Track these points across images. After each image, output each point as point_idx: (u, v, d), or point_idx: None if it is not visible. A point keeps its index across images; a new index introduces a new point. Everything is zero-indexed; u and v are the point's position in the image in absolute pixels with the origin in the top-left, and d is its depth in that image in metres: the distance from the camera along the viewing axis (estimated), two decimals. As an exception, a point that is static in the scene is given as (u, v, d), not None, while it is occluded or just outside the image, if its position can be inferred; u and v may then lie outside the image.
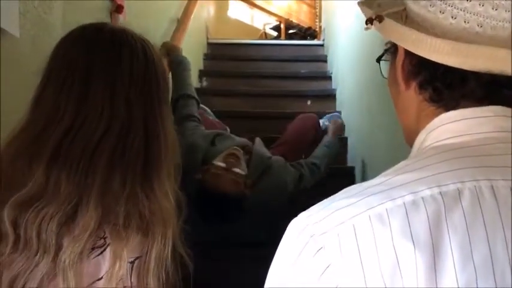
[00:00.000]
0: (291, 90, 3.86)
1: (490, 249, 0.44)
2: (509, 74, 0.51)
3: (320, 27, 5.65)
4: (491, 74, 0.52)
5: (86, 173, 0.75)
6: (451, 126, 0.54)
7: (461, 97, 0.54)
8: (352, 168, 2.74)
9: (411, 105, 0.60)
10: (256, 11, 6.88)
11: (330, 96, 3.72)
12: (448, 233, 0.44)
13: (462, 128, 0.54)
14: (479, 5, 0.52)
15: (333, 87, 3.87)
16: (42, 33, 1.25)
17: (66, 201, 0.73)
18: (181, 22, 3.06)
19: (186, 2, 3.39)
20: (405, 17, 0.58)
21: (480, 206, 0.45)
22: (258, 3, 6.74)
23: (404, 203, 0.46)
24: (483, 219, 0.45)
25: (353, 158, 2.87)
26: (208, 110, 2.97)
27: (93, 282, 0.73)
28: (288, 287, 0.48)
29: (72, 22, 1.43)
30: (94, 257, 0.74)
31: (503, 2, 0.51)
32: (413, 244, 0.44)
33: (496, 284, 0.43)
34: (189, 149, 1.86)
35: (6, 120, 1.06)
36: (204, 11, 4.81)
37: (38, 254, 0.71)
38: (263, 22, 6.86)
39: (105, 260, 0.74)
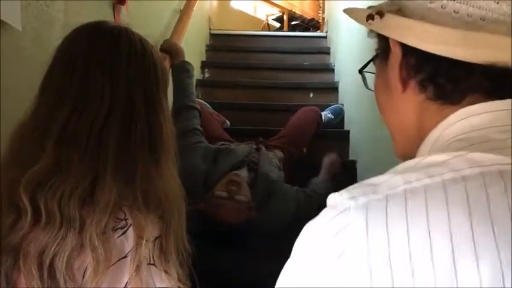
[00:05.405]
0: (293, 82, 3.84)
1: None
2: (509, 65, 0.51)
3: (323, 18, 5.62)
4: (494, 66, 0.51)
5: (97, 151, 0.79)
6: (473, 120, 0.52)
7: (467, 91, 0.53)
8: (354, 162, 2.72)
9: (409, 108, 0.59)
10: (259, 2, 6.84)
11: (333, 88, 3.70)
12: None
13: (484, 122, 0.52)
14: None
15: (336, 79, 3.85)
16: (44, 26, 1.25)
17: (82, 178, 0.76)
18: (184, 13, 3.04)
19: (188, -8, 3.37)
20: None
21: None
22: (260, -7, 6.71)
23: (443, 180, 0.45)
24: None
25: (355, 151, 2.87)
26: (207, 104, 2.95)
27: (119, 260, 0.76)
28: None
29: (75, 14, 1.43)
30: (117, 237, 0.77)
31: None
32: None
33: (495, 236, 0.41)
34: (189, 171, 1.76)
35: (7, 112, 1.06)
36: (207, 2, 4.78)
37: (63, 228, 0.74)
38: (266, 13, 6.83)
39: (128, 240, 0.77)
